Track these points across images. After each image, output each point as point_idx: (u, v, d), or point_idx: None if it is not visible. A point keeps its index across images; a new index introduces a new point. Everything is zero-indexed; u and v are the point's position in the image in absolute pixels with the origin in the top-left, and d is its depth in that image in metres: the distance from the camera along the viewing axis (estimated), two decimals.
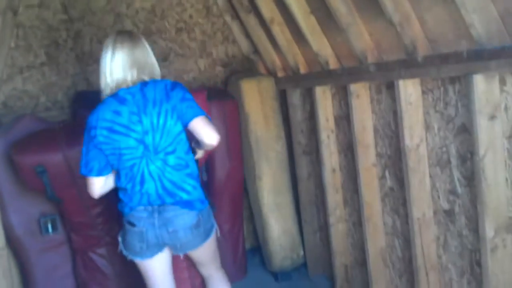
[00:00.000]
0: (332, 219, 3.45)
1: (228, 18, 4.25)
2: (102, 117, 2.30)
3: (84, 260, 3.34)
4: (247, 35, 4.20)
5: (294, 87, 3.79)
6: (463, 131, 2.27)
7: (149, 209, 2.38)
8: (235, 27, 4.26)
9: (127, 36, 2.39)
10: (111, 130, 2.29)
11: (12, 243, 3.28)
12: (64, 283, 3.41)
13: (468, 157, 2.26)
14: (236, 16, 4.18)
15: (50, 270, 3.39)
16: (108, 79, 2.32)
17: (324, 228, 3.69)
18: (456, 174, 2.36)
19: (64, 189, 3.11)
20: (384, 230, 3.00)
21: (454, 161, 2.36)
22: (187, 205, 2.38)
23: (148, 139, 2.31)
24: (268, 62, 4.06)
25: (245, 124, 3.89)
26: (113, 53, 2.31)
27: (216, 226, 2.57)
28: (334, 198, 3.43)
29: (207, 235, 2.49)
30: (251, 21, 3.97)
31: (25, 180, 3.15)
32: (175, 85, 2.35)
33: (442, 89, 2.35)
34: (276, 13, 3.52)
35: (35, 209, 3.34)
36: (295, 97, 3.80)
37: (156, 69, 2.41)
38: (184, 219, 2.38)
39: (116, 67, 2.31)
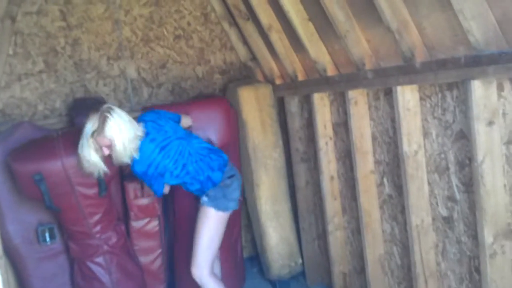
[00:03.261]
0: (330, 227, 3.43)
1: (226, 25, 4.26)
2: None
3: (81, 269, 3.31)
4: (245, 42, 4.20)
5: (292, 94, 3.78)
6: (461, 137, 2.27)
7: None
8: (233, 34, 4.26)
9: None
10: None
11: (10, 252, 3.25)
12: None
13: (467, 164, 2.26)
14: (234, 23, 4.18)
15: (48, 279, 3.36)
16: None
17: (323, 236, 3.67)
18: (455, 181, 2.36)
19: (62, 197, 3.09)
20: (382, 238, 2.98)
21: (452, 168, 2.36)
22: None
23: None
24: (266, 70, 4.06)
25: (242, 132, 3.88)
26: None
27: None
28: (333, 205, 3.42)
29: None
30: (249, 28, 3.97)
31: (23, 188, 3.13)
32: None
33: (440, 95, 2.35)
34: (274, 20, 3.52)
35: (33, 217, 3.31)
36: (293, 104, 3.80)
37: None
38: None
39: None
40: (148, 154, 2.89)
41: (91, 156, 2.84)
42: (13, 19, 3.76)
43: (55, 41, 3.89)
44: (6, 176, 3.18)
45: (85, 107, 3.67)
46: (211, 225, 3.01)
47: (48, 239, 3.34)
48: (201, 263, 2.99)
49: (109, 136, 2.80)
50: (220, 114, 3.57)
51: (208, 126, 3.51)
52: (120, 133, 2.80)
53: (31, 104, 3.87)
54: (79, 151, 2.85)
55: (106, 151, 2.85)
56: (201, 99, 4.03)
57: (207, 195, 3.00)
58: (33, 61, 3.86)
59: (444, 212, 2.46)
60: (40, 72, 3.88)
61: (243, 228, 4.15)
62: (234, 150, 3.76)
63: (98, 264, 3.31)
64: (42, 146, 3.13)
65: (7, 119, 3.78)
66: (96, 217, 3.21)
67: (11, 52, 3.80)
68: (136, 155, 2.86)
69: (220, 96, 3.94)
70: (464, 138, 2.25)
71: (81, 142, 2.84)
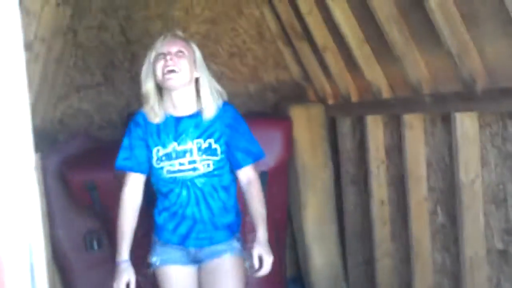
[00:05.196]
0: (378, 253, 3.34)
1: (280, 44, 4.26)
2: None
3: None
4: (299, 62, 4.19)
5: (344, 115, 3.74)
6: None
7: None
8: (287, 53, 4.26)
9: None
10: None
11: (58, 258, 3.32)
12: None
13: None
14: (289, 42, 4.18)
15: (94, 287, 3.41)
16: None
17: (370, 262, 3.58)
18: None
19: (113, 207, 3.15)
20: (433, 268, 2.88)
21: (510, 200, 2.25)
22: None
23: None
24: (319, 89, 4.03)
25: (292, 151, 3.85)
26: None
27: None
28: (382, 231, 3.33)
29: None
30: (304, 47, 3.96)
31: (74, 196, 3.20)
32: None
33: (500, 124, 2.25)
34: (329, 41, 3.50)
35: (82, 225, 3.38)
36: (345, 126, 3.75)
37: None
38: None
39: None
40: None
41: (143, 73, 2.26)
42: (75, 33, 3.90)
43: (114, 55, 4.01)
44: (59, 183, 3.27)
45: None
46: (244, 279, 2.33)
47: (95, 246, 3.39)
48: None
49: (189, 42, 2.29)
50: (282, 136, 3.52)
51: (264, 147, 3.36)
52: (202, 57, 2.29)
53: (88, 115, 3.98)
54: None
55: (170, 63, 2.15)
56: (263, 116, 4.00)
57: (238, 240, 2.34)
58: (92, 73, 3.98)
59: (499, 246, 2.35)
60: (98, 84, 3.99)
61: (287, 247, 4.10)
62: (283, 171, 3.72)
63: (145, 276, 3.33)
64: (96, 156, 3.21)
65: (64, 129, 3.90)
66: (144, 229, 3.24)
67: (71, 64, 3.93)
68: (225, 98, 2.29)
69: (284, 116, 3.87)
70: None
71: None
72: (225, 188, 2.28)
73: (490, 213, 2.39)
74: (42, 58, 2.88)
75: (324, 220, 3.87)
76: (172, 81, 2.16)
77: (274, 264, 3.72)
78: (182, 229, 2.27)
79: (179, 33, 2.33)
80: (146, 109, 2.24)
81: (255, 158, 2.31)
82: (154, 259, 2.36)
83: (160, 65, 2.18)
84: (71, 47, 3.90)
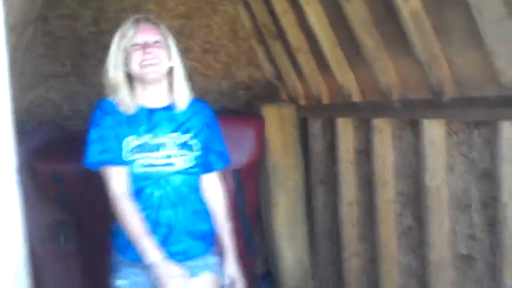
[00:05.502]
0: (346, 254, 3.39)
1: (254, 42, 4.26)
2: None
3: (93, 272, 3.33)
4: (272, 61, 4.20)
5: (316, 117, 3.76)
6: (486, 176, 2.23)
7: None
8: (260, 52, 4.26)
9: None
10: None
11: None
12: None
13: (490, 203, 2.21)
14: (262, 41, 4.19)
15: (60, 279, 3.38)
16: None
17: (338, 262, 3.62)
18: (477, 219, 2.31)
19: (80, 199, 3.12)
20: (399, 269, 2.93)
21: (475, 206, 2.31)
22: None
23: None
24: (291, 89, 4.05)
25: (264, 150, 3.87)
26: None
27: None
28: (350, 232, 3.37)
29: None
30: (277, 47, 3.97)
31: (41, 187, 3.16)
32: None
33: (467, 132, 2.31)
34: (303, 42, 3.52)
35: (50, 217, 3.34)
36: (316, 127, 3.78)
37: None
38: None
39: None
40: None
41: (111, 62, 2.08)
42: (46, 21, 3.83)
43: (85, 45, 3.95)
44: (26, 174, 3.22)
45: None
46: None
47: (62, 239, 3.36)
48: None
49: (161, 26, 2.10)
50: (255, 134, 3.53)
51: (238, 145, 3.27)
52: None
53: (56, 105, 3.92)
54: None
55: (149, 56, 2.01)
56: (236, 114, 4.01)
57: (214, 254, 2.15)
58: (61, 63, 3.92)
59: (464, 250, 2.41)
60: (68, 74, 3.93)
61: (257, 245, 4.13)
62: (255, 170, 3.75)
63: None
64: (63, 147, 3.17)
65: (31, 118, 3.83)
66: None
67: (41, 53, 3.86)
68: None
69: (257, 115, 3.88)
70: (489, 177, 2.20)
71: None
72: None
73: (455, 218, 2.44)
74: (11, 46, 2.82)
75: (294, 219, 3.90)
76: (153, 74, 2.02)
77: (243, 260, 3.76)
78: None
79: (151, 16, 2.15)
80: (115, 99, 2.06)
81: (226, 163, 2.20)
82: (121, 283, 2.00)
83: (137, 56, 2.02)
84: (41, 36, 3.83)
